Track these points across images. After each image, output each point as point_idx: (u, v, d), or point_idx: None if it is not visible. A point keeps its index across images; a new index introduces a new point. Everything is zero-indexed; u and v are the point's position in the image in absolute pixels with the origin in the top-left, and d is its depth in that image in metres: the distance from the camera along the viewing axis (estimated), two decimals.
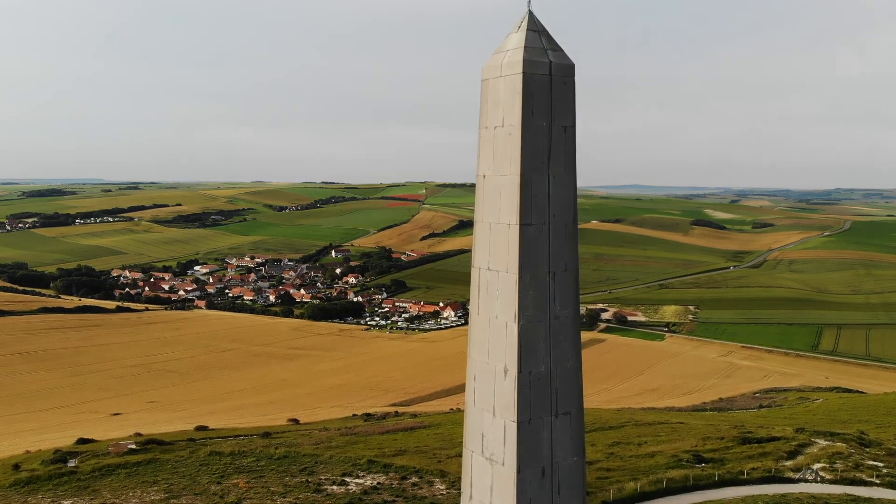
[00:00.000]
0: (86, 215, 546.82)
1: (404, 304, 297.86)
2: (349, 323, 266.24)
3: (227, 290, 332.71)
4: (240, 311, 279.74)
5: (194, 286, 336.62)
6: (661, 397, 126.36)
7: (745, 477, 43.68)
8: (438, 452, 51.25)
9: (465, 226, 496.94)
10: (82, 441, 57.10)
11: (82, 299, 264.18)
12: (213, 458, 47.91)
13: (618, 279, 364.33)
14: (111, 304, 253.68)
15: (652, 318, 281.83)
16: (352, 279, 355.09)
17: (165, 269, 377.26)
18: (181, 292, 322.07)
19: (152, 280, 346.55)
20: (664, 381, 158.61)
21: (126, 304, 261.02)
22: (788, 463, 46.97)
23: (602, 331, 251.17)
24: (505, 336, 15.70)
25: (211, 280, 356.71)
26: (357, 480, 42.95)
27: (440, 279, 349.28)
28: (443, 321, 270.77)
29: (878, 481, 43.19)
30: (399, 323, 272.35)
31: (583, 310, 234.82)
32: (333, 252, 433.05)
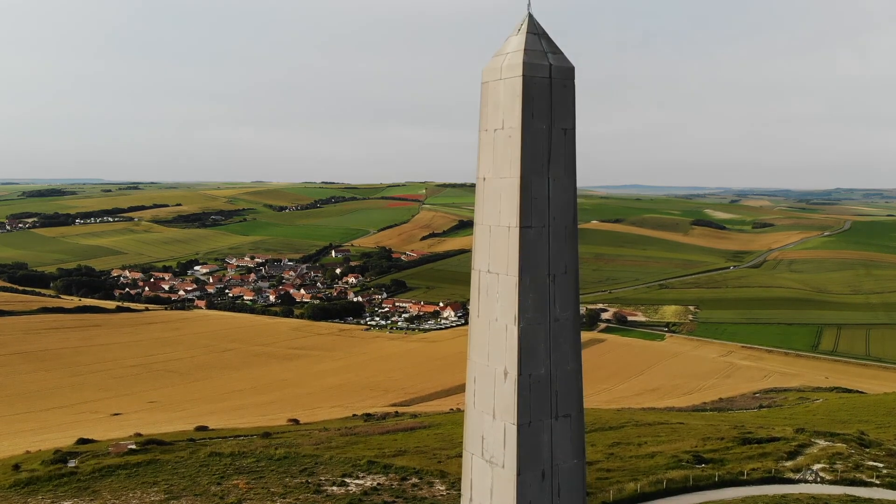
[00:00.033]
0: (86, 215, 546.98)
1: (404, 304, 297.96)
2: (349, 323, 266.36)
3: (227, 290, 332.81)
4: (240, 311, 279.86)
5: (194, 286, 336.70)
6: (661, 397, 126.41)
7: (745, 477, 43.71)
8: (438, 453, 51.28)
9: (465, 226, 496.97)
10: (82, 441, 57.14)
11: (82, 299, 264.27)
12: (213, 459, 47.94)
13: (618, 279, 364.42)
14: (111, 304, 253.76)
15: (652, 318, 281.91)
16: (352, 279, 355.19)
17: (165, 269, 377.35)
18: (181, 292, 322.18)
19: (152, 280, 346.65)
20: (664, 381, 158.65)
21: (126, 304, 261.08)
22: (788, 463, 47.01)
23: (602, 331, 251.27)
24: (505, 339, 15.70)
25: (211, 280, 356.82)
26: (357, 481, 42.96)
27: (440, 279, 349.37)
28: (443, 321, 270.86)
29: (877, 482, 43.22)
30: (399, 323, 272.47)
31: (583, 310, 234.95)
32: (333, 252, 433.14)
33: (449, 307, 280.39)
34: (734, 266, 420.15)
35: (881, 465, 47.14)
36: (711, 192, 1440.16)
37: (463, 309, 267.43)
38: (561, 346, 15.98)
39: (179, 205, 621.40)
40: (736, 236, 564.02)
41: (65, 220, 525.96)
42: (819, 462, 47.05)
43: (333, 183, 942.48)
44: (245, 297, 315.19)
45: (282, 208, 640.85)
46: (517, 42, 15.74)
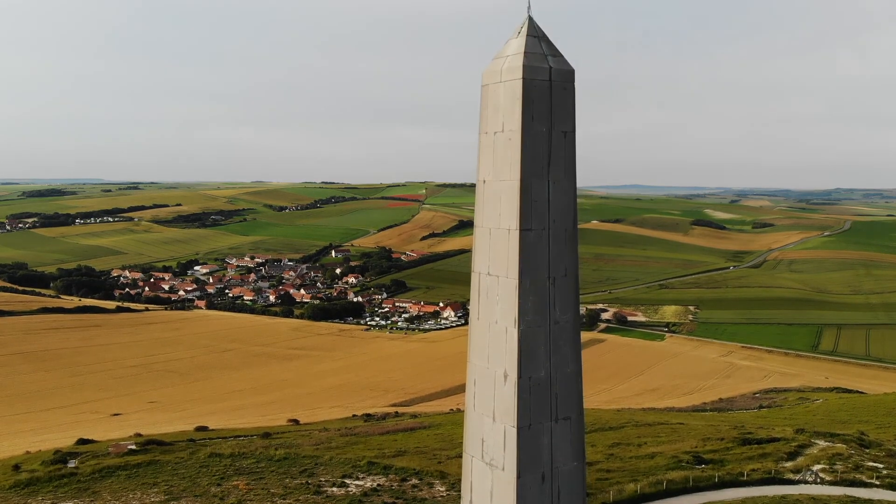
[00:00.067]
0: (86, 215, 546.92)
1: (404, 305, 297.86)
2: (349, 323, 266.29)
3: (227, 290, 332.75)
4: (240, 312, 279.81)
5: (194, 286, 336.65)
6: (661, 398, 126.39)
7: (745, 478, 43.70)
8: (438, 453, 51.27)
9: (465, 226, 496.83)
10: (82, 441, 57.16)
11: (82, 299, 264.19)
12: (214, 460, 47.94)
13: (618, 279, 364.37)
14: (111, 305, 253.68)
15: (652, 318, 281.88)
16: (352, 279, 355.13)
17: (165, 269, 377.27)
18: (181, 292, 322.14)
19: (152, 280, 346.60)
20: (664, 381, 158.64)
21: (126, 305, 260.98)
22: (788, 464, 47.00)
23: (602, 331, 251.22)
24: (505, 341, 15.72)
25: (211, 280, 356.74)
26: (357, 482, 42.96)
27: (440, 279, 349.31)
28: (443, 321, 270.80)
29: (877, 483, 43.23)
30: (399, 323, 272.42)
31: (583, 310, 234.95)
32: (333, 252, 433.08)
33: (449, 307, 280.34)
34: (734, 266, 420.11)
35: (881, 465, 47.14)
36: (711, 192, 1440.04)
37: (463, 309, 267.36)
38: (561, 349, 16.00)
39: (179, 205, 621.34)
40: (736, 236, 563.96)
41: (65, 220, 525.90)
42: (819, 463, 47.05)
43: (333, 183, 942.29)
44: (245, 298, 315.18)
45: (282, 208, 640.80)
46: (517, 45, 15.76)
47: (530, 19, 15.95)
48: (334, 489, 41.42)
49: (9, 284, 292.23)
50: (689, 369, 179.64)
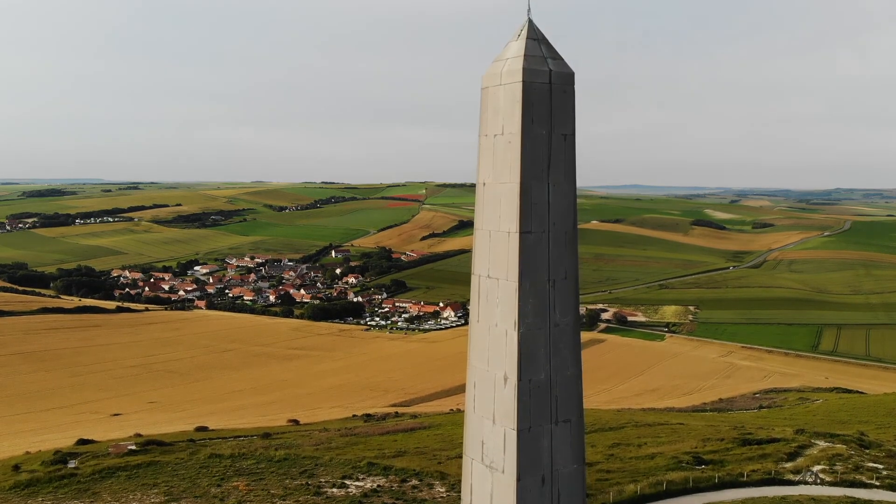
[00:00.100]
0: (86, 215, 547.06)
1: (404, 305, 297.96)
2: (349, 323, 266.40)
3: (227, 291, 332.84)
4: (240, 312, 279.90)
5: (194, 286, 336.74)
6: (660, 398, 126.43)
7: (745, 479, 43.72)
8: (438, 454, 51.29)
9: (465, 226, 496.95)
10: (82, 442, 57.19)
11: (82, 299, 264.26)
12: (213, 461, 47.96)
13: (618, 279, 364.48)
14: (111, 305, 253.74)
15: (652, 319, 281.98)
16: (352, 279, 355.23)
17: (165, 270, 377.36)
18: (181, 292, 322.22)
19: (152, 280, 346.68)
20: (664, 381, 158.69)
21: (126, 305, 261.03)
22: (788, 465, 47.02)
23: (602, 331, 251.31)
24: (505, 344, 15.73)
25: (211, 280, 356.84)
26: (357, 483, 42.98)
27: (440, 279, 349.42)
28: (443, 321, 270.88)
29: (877, 483, 43.24)
30: (399, 323, 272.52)
31: (583, 310, 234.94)
32: (333, 252, 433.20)
33: (449, 307, 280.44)
34: (734, 266, 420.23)
35: (881, 466, 47.16)
36: (711, 192, 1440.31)
37: (463, 309, 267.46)
38: (561, 352, 16.00)
39: (179, 205, 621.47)
40: (736, 236, 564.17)
41: (65, 220, 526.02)
42: (819, 463, 47.07)
43: (333, 183, 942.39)
44: (245, 298, 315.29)
45: (282, 208, 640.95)
46: (517, 47, 15.76)
47: (530, 21, 15.96)
48: (334, 490, 41.45)
49: (9, 284, 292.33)
50: (689, 369, 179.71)
